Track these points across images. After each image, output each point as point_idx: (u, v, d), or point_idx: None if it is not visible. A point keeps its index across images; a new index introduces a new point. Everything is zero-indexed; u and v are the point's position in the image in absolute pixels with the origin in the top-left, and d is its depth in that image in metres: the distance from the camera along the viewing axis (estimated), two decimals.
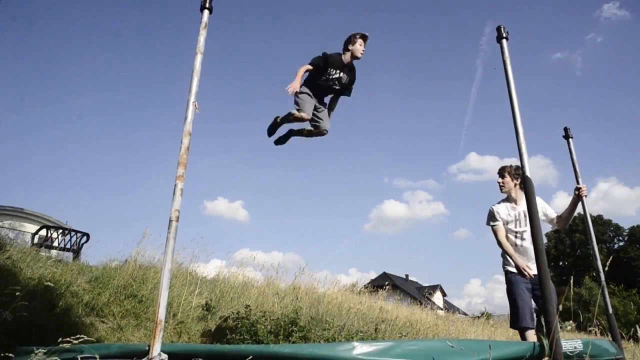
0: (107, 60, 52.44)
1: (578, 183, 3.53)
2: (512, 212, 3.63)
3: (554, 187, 58.83)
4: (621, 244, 46.09)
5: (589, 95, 66.63)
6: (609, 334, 3.07)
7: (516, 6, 67.13)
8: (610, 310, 3.10)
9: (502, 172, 3.74)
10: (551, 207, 3.75)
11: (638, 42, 63.67)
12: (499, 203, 3.76)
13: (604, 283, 3.20)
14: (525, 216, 3.50)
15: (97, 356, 1.98)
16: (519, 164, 2.65)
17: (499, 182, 3.74)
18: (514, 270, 3.52)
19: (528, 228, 3.37)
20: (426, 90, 68.20)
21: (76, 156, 43.90)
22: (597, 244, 3.46)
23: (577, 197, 3.52)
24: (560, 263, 47.26)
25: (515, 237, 3.59)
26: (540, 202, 3.69)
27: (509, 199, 3.72)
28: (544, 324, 3.22)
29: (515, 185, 3.65)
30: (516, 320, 3.38)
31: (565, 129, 3.60)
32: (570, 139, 3.58)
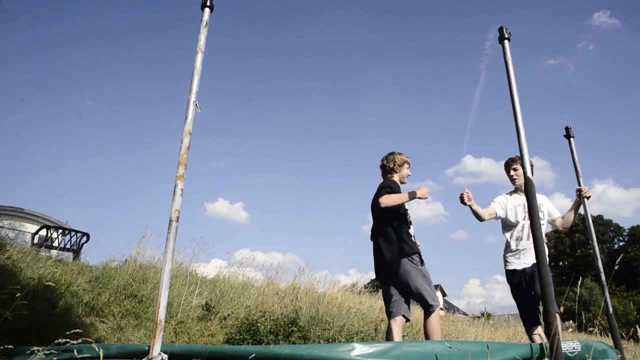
0: (108, 60, 52.52)
1: (579, 184, 3.51)
2: (521, 203, 3.60)
3: (551, 189, 58.94)
4: (621, 244, 46.08)
5: (582, 100, 67.41)
6: (609, 334, 3.07)
7: (509, 14, 67.66)
8: (611, 311, 3.09)
9: (513, 163, 3.70)
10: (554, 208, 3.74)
11: (629, 50, 64.44)
12: (509, 194, 3.75)
13: (604, 283, 3.19)
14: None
15: (97, 356, 1.97)
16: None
17: (512, 175, 3.69)
18: (517, 267, 3.51)
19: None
20: (426, 93, 68.45)
21: (76, 156, 43.97)
22: (597, 244, 3.45)
23: (579, 199, 3.50)
24: (560, 263, 47.21)
25: (523, 229, 3.56)
26: (545, 201, 3.69)
27: (516, 191, 3.71)
28: (540, 323, 3.23)
29: None
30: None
31: (567, 128, 3.59)
32: (572, 139, 3.57)
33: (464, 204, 3.43)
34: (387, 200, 3.22)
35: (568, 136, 3.58)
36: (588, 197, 3.49)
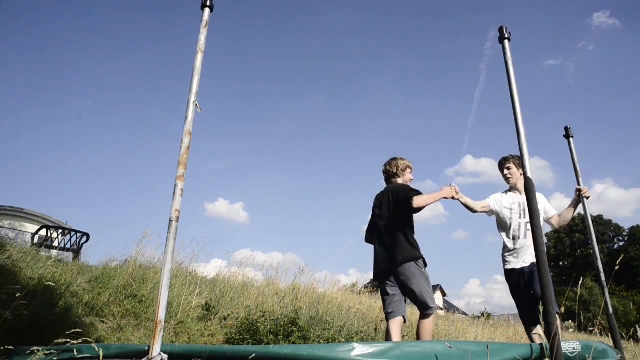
0: (108, 60, 52.53)
1: (579, 184, 3.50)
2: (517, 201, 3.60)
3: (551, 189, 59.04)
4: (621, 244, 46.07)
5: (582, 100, 67.73)
6: (609, 334, 3.07)
7: (509, 14, 67.87)
8: (611, 311, 3.09)
9: (506, 162, 3.70)
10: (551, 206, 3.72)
11: (629, 50, 64.69)
12: (504, 193, 3.74)
13: (604, 283, 3.19)
14: None
15: (97, 356, 1.97)
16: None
17: (505, 174, 3.70)
18: (515, 267, 3.51)
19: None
20: (426, 93, 68.60)
21: (76, 156, 44.01)
22: (597, 244, 3.45)
23: (578, 199, 3.50)
24: (560, 263, 47.19)
25: (519, 228, 3.55)
26: (541, 199, 3.67)
27: (512, 190, 3.71)
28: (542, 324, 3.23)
29: (522, 174, 3.63)
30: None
31: (566, 128, 3.59)
32: (571, 139, 3.57)
33: (452, 198, 3.45)
34: (420, 201, 3.18)
35: (568, 136, 3.58)
36: (587, 197, 3.48)
